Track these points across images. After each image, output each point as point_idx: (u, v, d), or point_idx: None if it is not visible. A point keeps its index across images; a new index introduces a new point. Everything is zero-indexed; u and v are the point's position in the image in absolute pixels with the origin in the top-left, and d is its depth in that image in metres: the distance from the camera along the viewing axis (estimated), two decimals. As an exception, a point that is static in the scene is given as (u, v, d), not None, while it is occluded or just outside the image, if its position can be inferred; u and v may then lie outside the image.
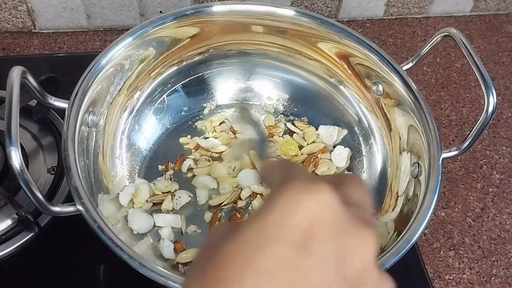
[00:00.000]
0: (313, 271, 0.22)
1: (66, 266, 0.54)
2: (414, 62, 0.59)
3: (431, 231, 0.62)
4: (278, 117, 0.69)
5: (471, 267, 0.60)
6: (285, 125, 0.68)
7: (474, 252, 0.61)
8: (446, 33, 0.54)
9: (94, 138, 0.55)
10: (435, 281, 0.58)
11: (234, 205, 0.60)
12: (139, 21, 0.79)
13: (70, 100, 0.50)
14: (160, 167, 0.62)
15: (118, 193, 0.56)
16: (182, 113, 0.67)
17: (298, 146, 0.65)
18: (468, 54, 0.52)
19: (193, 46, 0.65)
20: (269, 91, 0.70)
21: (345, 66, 0.64)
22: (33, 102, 0.60)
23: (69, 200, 0.47)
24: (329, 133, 0.66)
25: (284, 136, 0.67)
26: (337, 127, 0.66)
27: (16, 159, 0.39)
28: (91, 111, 0.54)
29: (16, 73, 0.43)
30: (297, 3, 0.82)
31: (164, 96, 0.66)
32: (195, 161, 0.63)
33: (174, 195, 0.59)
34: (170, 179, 0.61)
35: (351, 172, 0.64)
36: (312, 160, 0.63)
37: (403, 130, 0.59)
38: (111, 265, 0.55)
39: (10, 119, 0.41)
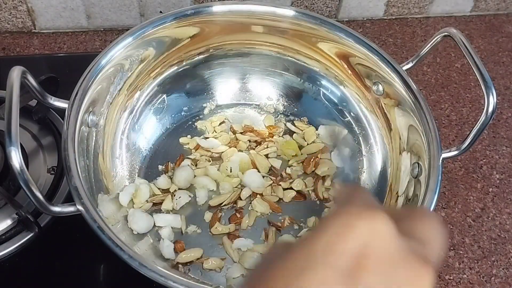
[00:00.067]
0: None
1: (66, 266, 0.54)
2: (414, 62, 0.59)
3: (431, 231, 0.62)
4: (278, 117, 0.69)
5: (471, 267, 0.60)
6: (285, 125, 0.68)
7: (474, 252, 0.61)
8: (446, 33, 0.54)
9: (94, 138, 0.55)
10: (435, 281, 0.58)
11: (234, 205, 0.60)
12: (139, 21, 0.79)
13: (70, 100, 0.50)
14: (160, 167, 0.62)
15: (118, 193, 0.56)
16: (182, 113, 0.67)
17: (298, 146, 0.65)
18: (468, 54, 0.52)
19: (193, 46, 0.65)
20: (269, 91, 0.70)
21: (345, 66, 0.64)
22: (33, 102, 0.60)
23: (69, 200, 0.47)
24: (329, 133, 0.66)
25: (284, 136, 0.67)
26: (337, 127, 0.66)
27: (16, 159, 0.39)
28: (91, 111, 0.54)
29: (16, 73, 0.43)
30: (297, 3, 0.82)
31: (164, 96, 0.66)
32: (195, 161, 0.63)
33: (174, 195, 0.59)
34: (170, 179, 0.61)
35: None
36: (312, 160, 0.63)
37: (403, 130, 0.59)
38: (111, 265, 0.55)
39: (10, 119, 0.41)
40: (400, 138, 0.59)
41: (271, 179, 0.62)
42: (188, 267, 0.54)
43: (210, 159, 0.63)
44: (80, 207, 0.44)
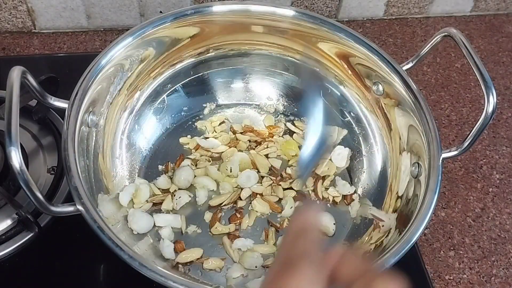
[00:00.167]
0: None
1: (66, 266, 0.54)
2: (414, 62, 0.59)
3: (431, 231, 0.62)
4: (278, 117, 0.69)
5: (471, 267, 0.60)
6: (285, 125, 0.68)
7: (474, 252, 0.61)
8: (446, 33, 0.54)
9: (94, 138, 0.55)
10: (435, 281, 0.58)
11: (234, 205, 0.60)
12: (139, 21, 0.79)
13: (70, 100, 0.50)
14: (160, 167, 0.62)
15: (118, 193, 0.56)
16: (182, 113, 0.67)
17: (298, 146, 0.65)
18: (468, 54, 0.52)
19: (193, 46, 0.65)
20: (269, 91, 0.70)
21: (345, 66, 0.64)
22: (33, 102, 0.60)
23: (69, 200, 0.47)
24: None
25: (284, 136, 0.67)
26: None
27: (16, 159, 0.39)
28: (91, 111, 0.54)
29: (16, 73, 0.43)
30: (297, 3, 0.82)
31: (164, 96, 0.66)
32: (195, 161, 0.63)
33: (174, 195, 0.59)
34: (170, 179, 0.61)
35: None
36: (312, 160, 0.63)
37: (403, 130, 0.59)
38: (111, 265, 0.55)
39: (10, 119, 0.41)
40: (400, 138, 0.59)
41: (271, 179, 0.62)
42: (188, 267, 0.54)
43: (210, 159, 0.63)
44: (80, 207, 0.44)
